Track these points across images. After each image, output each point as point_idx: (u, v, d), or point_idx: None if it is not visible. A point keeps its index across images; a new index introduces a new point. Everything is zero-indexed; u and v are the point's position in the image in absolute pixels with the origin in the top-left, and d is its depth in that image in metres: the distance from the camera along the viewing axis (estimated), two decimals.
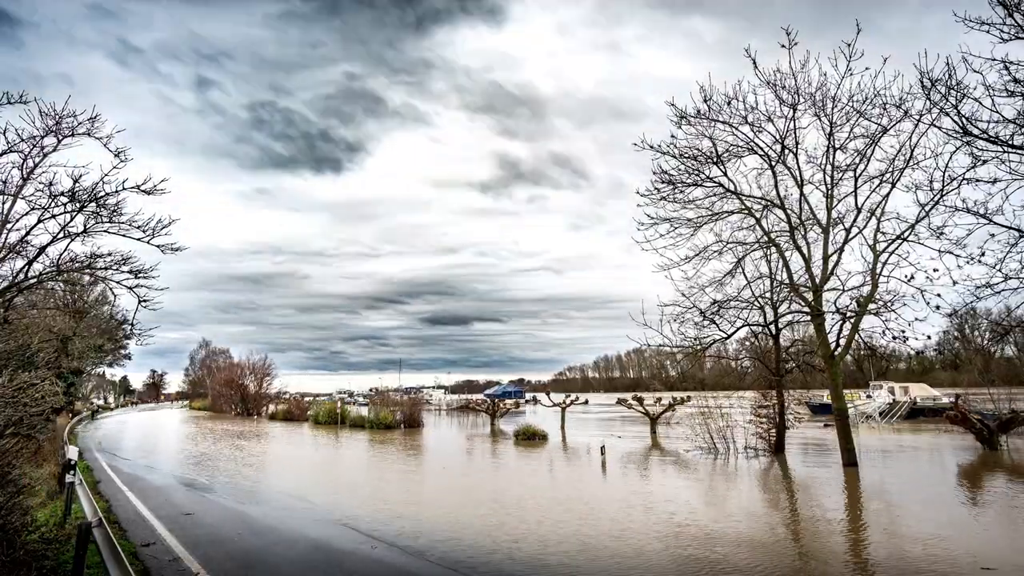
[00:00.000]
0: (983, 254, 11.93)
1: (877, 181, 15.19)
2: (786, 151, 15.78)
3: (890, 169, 14.84)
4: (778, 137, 15.69)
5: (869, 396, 36.24)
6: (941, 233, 13.79)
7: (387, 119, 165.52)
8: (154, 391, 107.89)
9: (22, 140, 10.49)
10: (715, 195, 16.68)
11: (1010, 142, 10.08)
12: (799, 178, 15.98)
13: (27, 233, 11.02)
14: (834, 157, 15.46)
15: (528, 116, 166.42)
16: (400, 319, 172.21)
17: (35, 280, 11.86)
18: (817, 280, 15.80)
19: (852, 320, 15.51)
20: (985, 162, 11.18)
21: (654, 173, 16.73)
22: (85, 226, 11.34)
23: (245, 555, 7.47)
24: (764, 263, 17.54)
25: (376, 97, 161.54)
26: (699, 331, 17.51)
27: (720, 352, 20.67)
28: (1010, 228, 11.07)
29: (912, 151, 14.26)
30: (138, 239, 11.63)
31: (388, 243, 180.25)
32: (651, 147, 16.48)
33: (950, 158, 12.83)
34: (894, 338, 15.32)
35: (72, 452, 10.93)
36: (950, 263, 13.29)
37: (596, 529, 8.85)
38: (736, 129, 15.84)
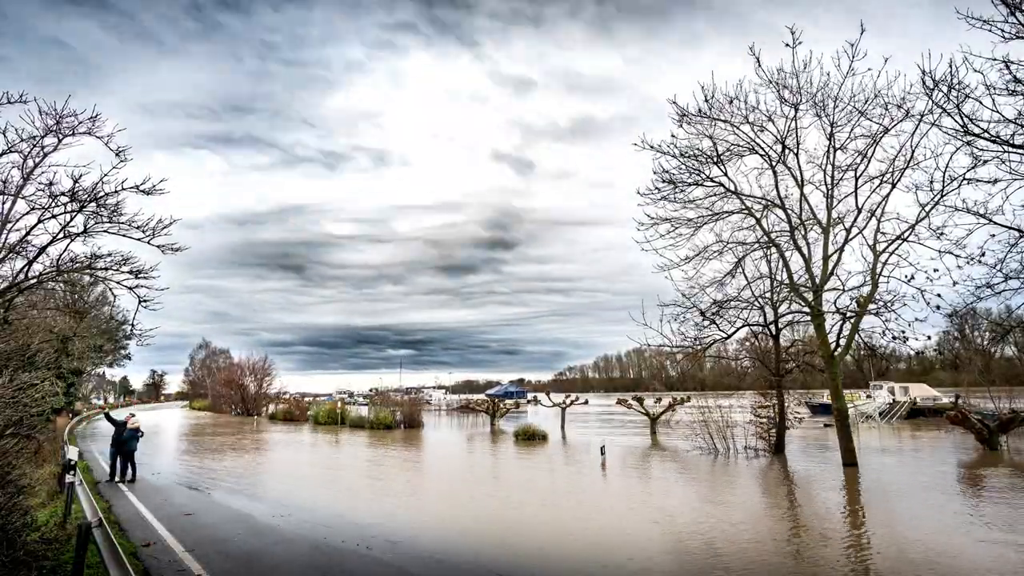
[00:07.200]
0: (983, 254, 11.96)
1: (877, 181, 15.18)
2: (787, 151, 15.77)
3: (890, 169, 14.83)
4: (779, 137, 15.68)
5: (869, 396, 36.22)
6: (941, 233, 13.81)
7: None
8: (154, 391, 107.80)
9: (22, 140, 10.50)
10: (715, 195, 16.69)
11: (1011, 142, 10.08)
12: (799, 178, 15.97)
13: (27, 233, 11.02)
14: (835, 157, 15.45)
15: None
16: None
17: (35, 280, 11.84)
18: (817, 280, 15.78)
19: (852, 320, 15.49)
20: (986, 162, 11.21)
21: (654, 172, 16.76)
22: (85, 226, 11.33)
23: (245, 555, 7.47)
24: (764, 263, 17.51)
25: None
26: (699, 331, 17.51)
27: (720, 352, 20.66)
28: (1010, 228, 11.08)
29: (913, 151, 14.24)
30: (138, 239, 11.63)
31: None
32: (651, 147, 16.51)
33: (951, 158, 12.85)
34: (894, 338, 15.32)
35: (72, 452, 10.89)
36: (950, 263, 13.30)
37: (593, 530, 8.84)
38: (737, 128, 15.86)
